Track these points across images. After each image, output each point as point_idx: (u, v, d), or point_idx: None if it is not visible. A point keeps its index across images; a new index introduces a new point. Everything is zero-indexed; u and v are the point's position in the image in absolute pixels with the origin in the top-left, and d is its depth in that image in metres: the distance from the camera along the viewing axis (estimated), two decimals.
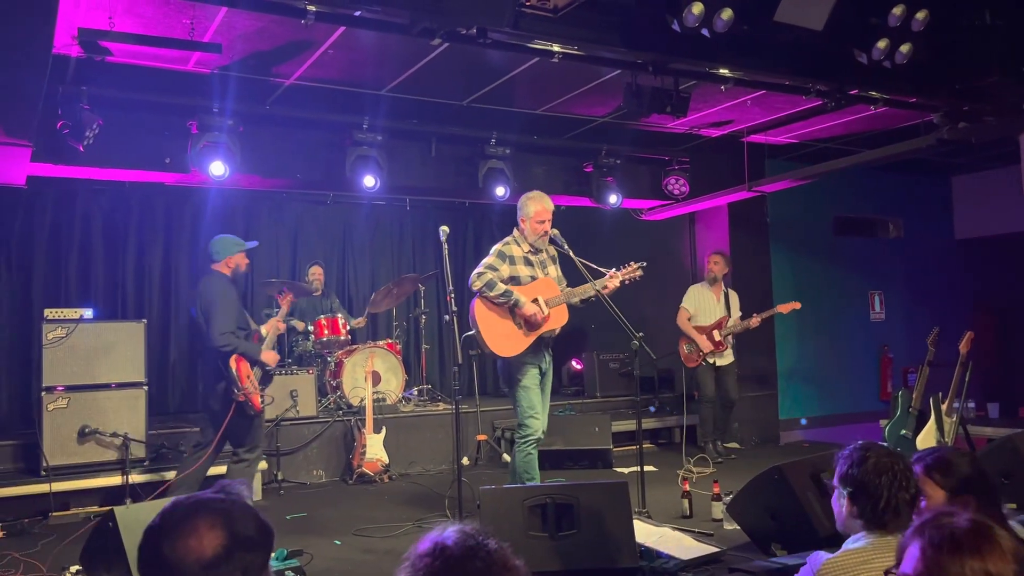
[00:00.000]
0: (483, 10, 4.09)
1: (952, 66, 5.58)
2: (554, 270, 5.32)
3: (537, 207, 5.16)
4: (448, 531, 1.44)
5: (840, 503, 2.40)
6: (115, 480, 5.79)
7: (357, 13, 4.26)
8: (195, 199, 8.46)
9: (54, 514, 5.69)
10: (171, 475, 5.92)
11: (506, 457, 7.24)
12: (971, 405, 8.63)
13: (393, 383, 7.64)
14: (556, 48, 4.80)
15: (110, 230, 8.23)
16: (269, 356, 5.34)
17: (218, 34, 5.09)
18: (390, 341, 7.96)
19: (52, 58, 4.16)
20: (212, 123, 6.12)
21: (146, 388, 6.23)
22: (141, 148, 6.30)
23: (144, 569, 1.43)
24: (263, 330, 5.49)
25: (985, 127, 6.08)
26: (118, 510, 3.79)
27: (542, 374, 5.17)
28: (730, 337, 7.54)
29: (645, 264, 5.31)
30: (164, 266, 8.52)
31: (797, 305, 7.53)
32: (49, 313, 6.04)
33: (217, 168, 6.11)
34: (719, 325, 7.49)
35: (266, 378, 5.37)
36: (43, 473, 5.71)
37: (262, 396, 5.29)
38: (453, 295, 5.10)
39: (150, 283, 8.45)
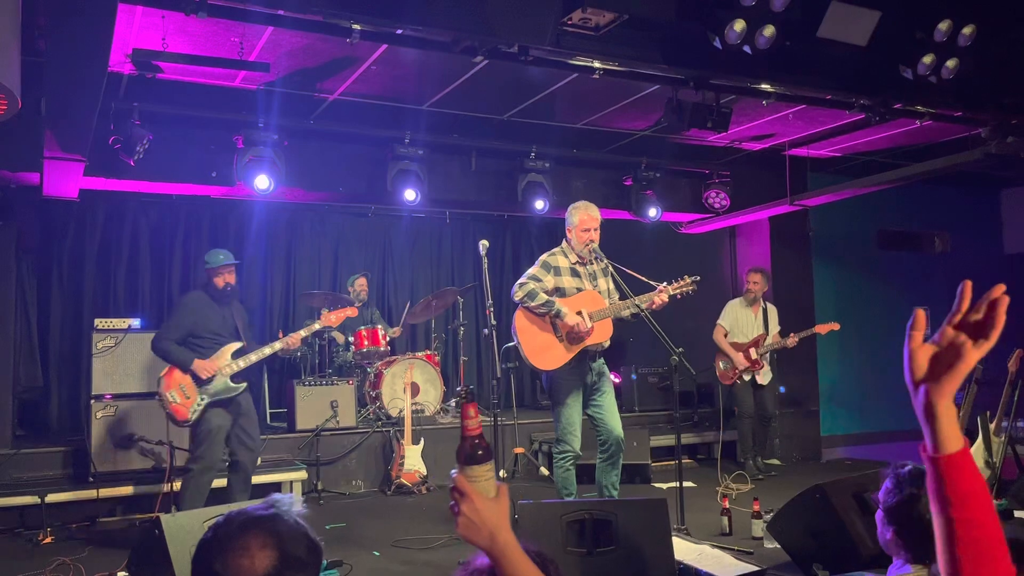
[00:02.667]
0: (525, 28, 4.13)
1: (1000, 80, 5.49)
2: (604, 283, 5.15)
3: (582, 215, 5.04)
4: None
5: (884, 529, 2.34)
6: (160, 487, 5.91)
7: (400, 31, 4.34)
8: (240, 212, 8.61)
9: (101, 520, 5.82)
10: (214, 483, 6.03)
11: (543, 471, 7.24)
12: (1020, 424, 8.40)
13: (432, 394, 7.68)
14: (597, 64, 4.82)
15: (158, 242, 8.43)
16: (200, 366, 5.16)
17: (265, 51, 5.20)
18: (429, 352, 8.01)
19: (106, 76, 4.29)
20: (258, 138, 6.25)
21: None
22: (189, 162, 6.45)
23: None
24: (276, 344, 5.46)
25: None
26: (164, 517, 3.87)
27: (588, 387, 5.04)
28: (768, 355, 7.45)
29: (699, 278, 5.14)
30: None
31: (836, 326, 7.41)
32: (99, 323, 6.20)
33: (262, 182, 6.23)
34: (756, 343, 7.39)
35: (201, 381, 5.22)
36: (91, 479, 5.86)
37: (195, 409, 5.18)
38: (492, 308, 5.10)
39: None
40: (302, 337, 5.53)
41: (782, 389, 8.13)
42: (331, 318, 5.65)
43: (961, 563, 1.25)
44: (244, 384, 5.36)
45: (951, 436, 1.28)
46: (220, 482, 5.52)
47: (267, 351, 5.37)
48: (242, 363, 5.31)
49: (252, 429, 5.42)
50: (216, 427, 5.22)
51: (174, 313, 5.41)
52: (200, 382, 5.19)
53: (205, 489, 5.18)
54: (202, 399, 5.19)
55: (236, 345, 5.35)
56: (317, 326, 5.69)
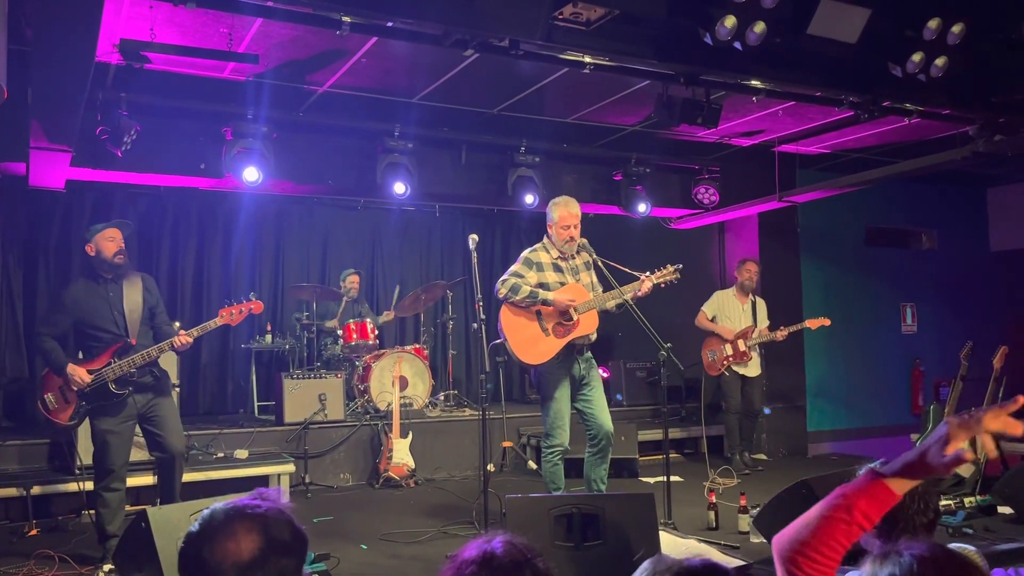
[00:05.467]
0: (516, 22, 4.12)
1: (988, 79, 5.52)
2: (587, 276, 5.19)
3: (562, 212, 5.07)
4: (495, 540, 1.46)
5: None
6: (147, 480, 5.88)
7: (390, 24, 4.31)
8: (228, 204, 8.57)
9: (87, 512, 5.78)
10: (202, 475, 6.04)
11: (531, 464, 7.25)
12: None
13: (420, 388, 7.68)
14: (588, 59, 4.82)
15: (145, 234, 8.35)
16: (72, 371, 4.53)
17: (254, 42, 5.17)
18: (418, 346, 8.01)
19: (93, 65, 4.25)
20: (246, 129, 6.21)
21: (178, 389, 6.32)
22: (177, 154, 6.41)
23: (184, 571, 1.48)
24: (164, 345, 4.66)
25: (1021, 139, 5.99)
26: (150, 510, 3.85)
27: (576, 380, 5.07)
28: (757, 347, 7.46)
29: (681, 267, 5.19)
30: (196, 269, 8.64)
31: (826, 321, 7.43)
32: None
33: (251, 174, 6.20)
34: (744, 335, 7.41)
35: (101, 393, 4.57)
36: (76, 472, 5.81)
37: (75, 413, 4.62)
38: (481, 303, 5.10)
39: (183, 285, 8.57)
40: (195, 336, 4.75)
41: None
42: (231, 314, 4.83)
43: (817, 536, 1.66)
44: (128, 389, 4.62)
45: (906, 485, 1.66)
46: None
47: (155, 352, 4.62)
48: (125, 366, 4.58)
49: (167, 434, 4.73)
50: (102, 432, 4.62)
51: (50, 306, 4.74)
52: (77, 385, 4.58)
53: (112, 501, 4.63)
54: (81, 404, 4.62)
55: (121, 343, 4.68)
56: (212, 325, 4.83)
